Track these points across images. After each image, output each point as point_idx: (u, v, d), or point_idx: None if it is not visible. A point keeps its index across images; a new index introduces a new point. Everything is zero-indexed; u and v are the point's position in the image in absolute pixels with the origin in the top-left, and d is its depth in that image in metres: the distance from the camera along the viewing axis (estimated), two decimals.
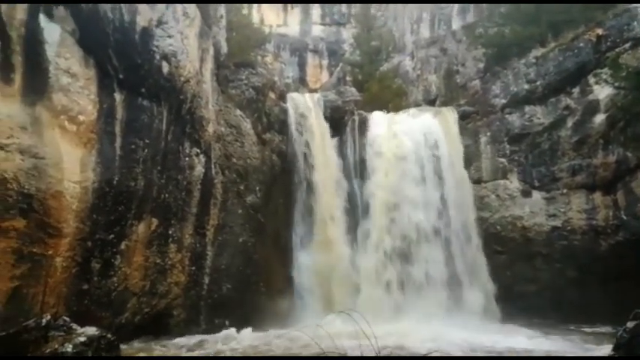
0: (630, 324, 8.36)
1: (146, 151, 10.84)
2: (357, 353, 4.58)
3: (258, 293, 13.46)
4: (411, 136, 16.64)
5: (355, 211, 15.96)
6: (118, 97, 10.49)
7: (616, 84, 13.73)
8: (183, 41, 11.72)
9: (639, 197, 13.73)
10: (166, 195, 11.48)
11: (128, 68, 10.56)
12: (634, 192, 13.86)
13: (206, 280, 12.39)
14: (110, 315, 10.17)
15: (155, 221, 11.22)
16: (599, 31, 15.10)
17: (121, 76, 10.46)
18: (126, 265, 10.52)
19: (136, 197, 10.62)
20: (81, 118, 9.71)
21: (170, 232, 11.59)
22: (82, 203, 9.61)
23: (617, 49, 14.45)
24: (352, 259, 15.07)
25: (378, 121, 17.42)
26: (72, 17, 9.62)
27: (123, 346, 8.69)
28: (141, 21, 10.73)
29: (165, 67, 11.27)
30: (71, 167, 9.46)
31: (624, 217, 14.05)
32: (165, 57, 11.21)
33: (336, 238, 15.36)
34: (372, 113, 17.87)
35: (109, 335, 7.93)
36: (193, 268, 12.13)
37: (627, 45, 14.36)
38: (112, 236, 10.21)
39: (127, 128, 10.54)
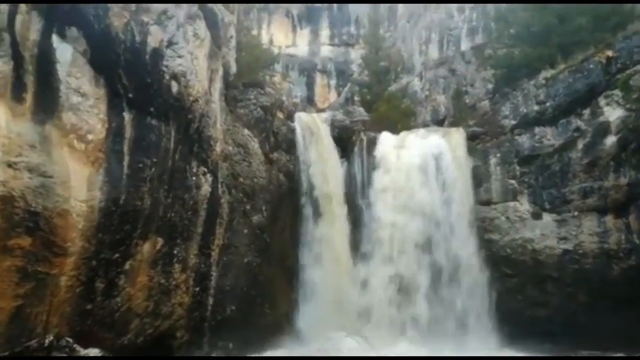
0: None
1: (153, 170, 10.83)
2: None
3: (263, 315, 13.29)
4: (419, 157, 16.57)
5: (362, 232, 15.83)
6: (127, 116, 10.50)
7: (627, 106, 13.63)
8: (192, 61, 11.81)
9: None
10: (172, 214, 11.43)
11: (138, 88, 10.61)
12: None
13: (210, 301, 12.26)
14: (113, 336, 10.03)
15: (160, 241, 11.14)
16: (609, 53, 15.03)
17: (130, 96, 10.50)
18: (130, 285, 10.41)
19: (142, 216, 10.57)
20: (90, 136, 9.73)
21: (175, 251, 11.50)
22: (88, 222, 9.56)
23: (627, 71, 14.34)
24: (359, 280, 14.94)
25: (387, 141, 17.37)
26: (84, 38, 9.71)
27: None
28: (151, 42, 10.82)
29: (175, 87, 11.33)
30: (78, 186, 9.43)
31: (637, 241, 13.76)
32: (174, 77, 11.28)
33: (343, 258, 15.25)
34: (380, 133, 17.85)
35: (111, 357, 7.84)
36: (197, 288, 12.01)
37: (638, 67, 14.23)
38: (116, 255, 10.13)
39: (134, 147, 10.53)
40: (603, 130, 14.54)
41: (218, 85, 13.45)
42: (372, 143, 17.40)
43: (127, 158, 10.41)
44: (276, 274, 14.35)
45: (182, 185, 11.75)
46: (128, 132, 10.49)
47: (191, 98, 11.68)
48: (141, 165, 10.61)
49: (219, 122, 13.20)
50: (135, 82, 10.54)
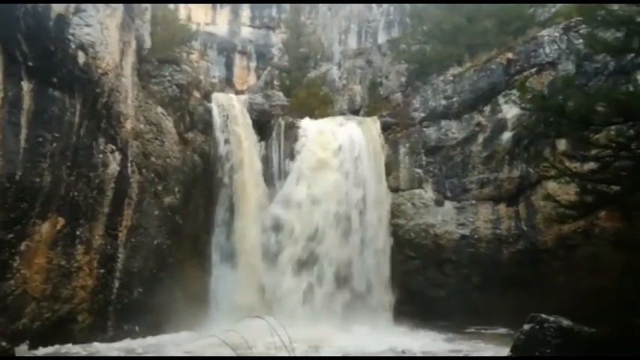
0: (526, 326, 9.09)
1: (55, 145, 10.17)
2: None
3: (173, 298, 13.03)
4: (335, 144, 16.98)
5: (277, 214, 15.94)
6: (25, 85, 9.77)
7: (522, 105, 14.81)
8: (102, 32, 11.16)
9: (538, 210, 14.93)
10: (75, 193, 10.82)
11: (39, 56, 9.88)
12: (534, 205, 15.07)
13: (116, 283, 11.80)
14: (5, 321, 9.39)
15: (61, 220, 10.53)
16: (510, 55, 16.32)
17: (30, 64, 9.77)
18: (25, 267, 9.77)
19: (41, 194, 9.92)
20: None
21: (78, 232, 10.92)
22: None
23: (524, 73, 15.64)
24: (270, 263, 15.10)
25: (305, 127, 17.58)
26: None
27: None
28: (56, 7, 10.09)
29: (82, 58, 10.67)
30: None
31: (524, 228, 15.21)
32: (81, 47, 10.62)
33: (256, 241, 15.29)
34: (298, 119, 18.02)
35: (3, 343, 7.37)
36: (102, 271, 11.51)
37: (533, 70, 15.59)
38: (10, 235, 9.47)
39: (34, 120, 9.85)
40: (501, 126, 15.83)
41: (130, 59, 12.82)
42: (291, 128, 17.53)
43: (24, 131, 9.72)
44: (188, 257, 14.09)
45: (87, 163, 11.15)
46: (26, 103, 9.78)
47: (100, 71, 11.07)
48: (41, 139, 9.95)
49: (130, 98, 12.60)
50: (36, 49, 9.82)
